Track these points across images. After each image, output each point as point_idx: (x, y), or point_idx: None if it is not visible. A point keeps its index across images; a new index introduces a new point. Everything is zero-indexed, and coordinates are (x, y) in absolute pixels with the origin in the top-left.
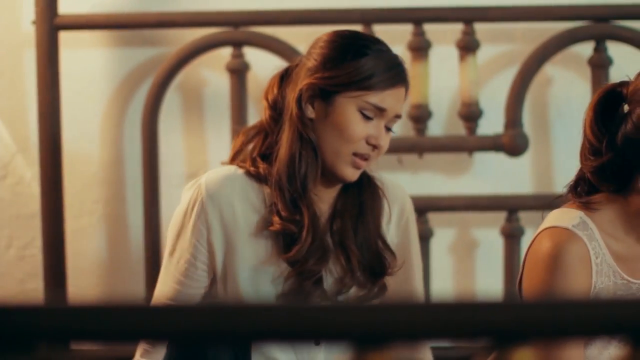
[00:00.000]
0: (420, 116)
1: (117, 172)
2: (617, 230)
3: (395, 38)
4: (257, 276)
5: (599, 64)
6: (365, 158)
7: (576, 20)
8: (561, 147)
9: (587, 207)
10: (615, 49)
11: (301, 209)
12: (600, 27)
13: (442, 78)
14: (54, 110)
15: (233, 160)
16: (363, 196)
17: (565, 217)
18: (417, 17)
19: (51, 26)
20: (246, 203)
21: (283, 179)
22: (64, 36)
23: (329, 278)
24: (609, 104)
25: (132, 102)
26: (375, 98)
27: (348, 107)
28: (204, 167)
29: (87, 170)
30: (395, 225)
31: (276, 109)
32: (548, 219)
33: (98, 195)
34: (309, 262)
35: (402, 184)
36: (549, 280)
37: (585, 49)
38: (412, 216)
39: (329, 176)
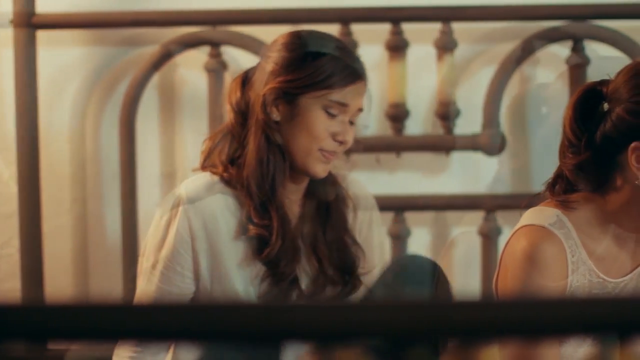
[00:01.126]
0: (398, 115)
1: (95, 171)
2: (594, 229)
3: (374, 37)
4: (239, 278)
5: (577, 64)
6: (332, 153)
7: (554, 19)
8: (539, 147)
9: (564, 205)
10: (593, 49)
11: (270, 212)
12: (578, 27)
13: (419, 77)
14: (32, 109)
15: (203, 165)
16: (329, 195)
17: (542, 215)
18: (395, 17)
19: (29, 25)
20: (225, 209)
21: (252, 184)
22: (41, 35)
23: (305, 278)
24: (588, 103)
25: (110, 102)
26: (338, 95)
27: (312, 107)
28: (181, 166)
29: (65, 170)
30: (360, 222)
31: (240, 112)
32: (524, 217)
33: (76, 195)
34: (280, 263)
35: (380, 183)
36: (525, 279)
37: (563, 48)
38: (376, 212)
39: (297, 177)
